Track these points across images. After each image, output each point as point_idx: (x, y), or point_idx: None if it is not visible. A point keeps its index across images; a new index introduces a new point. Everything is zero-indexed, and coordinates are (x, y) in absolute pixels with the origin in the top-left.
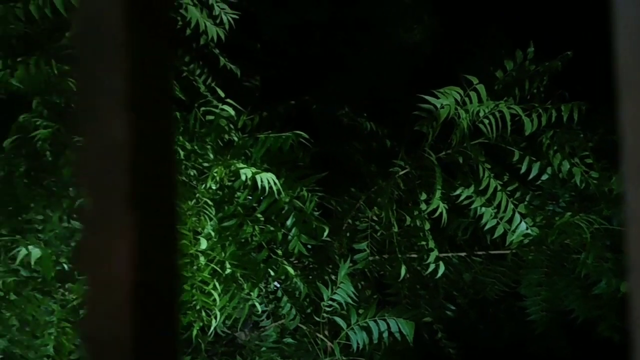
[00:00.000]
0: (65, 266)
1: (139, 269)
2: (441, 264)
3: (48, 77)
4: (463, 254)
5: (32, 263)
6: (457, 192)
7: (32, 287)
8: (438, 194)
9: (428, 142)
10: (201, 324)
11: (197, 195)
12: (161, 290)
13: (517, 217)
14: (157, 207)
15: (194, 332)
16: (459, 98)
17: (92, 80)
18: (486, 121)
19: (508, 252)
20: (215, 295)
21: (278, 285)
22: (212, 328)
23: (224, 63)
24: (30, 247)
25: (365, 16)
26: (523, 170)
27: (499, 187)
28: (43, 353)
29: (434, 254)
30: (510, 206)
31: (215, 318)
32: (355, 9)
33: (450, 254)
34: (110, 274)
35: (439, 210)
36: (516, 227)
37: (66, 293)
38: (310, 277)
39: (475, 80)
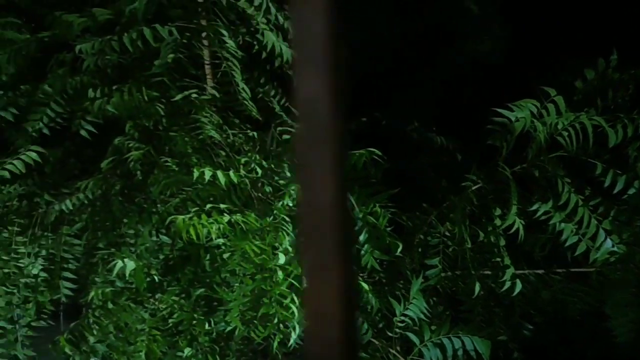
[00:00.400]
0: (156, 278)
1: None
2: (518, 281)
3: (139, 102)
4: (541, 272)
5: (127, 275)
6: (534, 207)
7: (127, 297)
8: (514, 209)
9: (502, 156)
10: (281, 336)
11: (275, 212)
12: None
13: (602, 233)
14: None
15: (275, 345)
16: (535, 110)
17: (308, 154)
18: (565, 133)
19: (590, 270)
20: (294, 308)
21: None
22: (291, 340)
23: None
24: (125, 259)
25: (435, 30)
26: (607, 183)
27: (580, 202)
28: (137, 358)
29: (510, 271)
30: (594, 222)
31: (294, 330)
32: (425, 23)
33: (527, 271)
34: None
35: (515, 226)
36: (600, 245)
37: (156, 303)
38: (382, 292)
39: (552, 92)
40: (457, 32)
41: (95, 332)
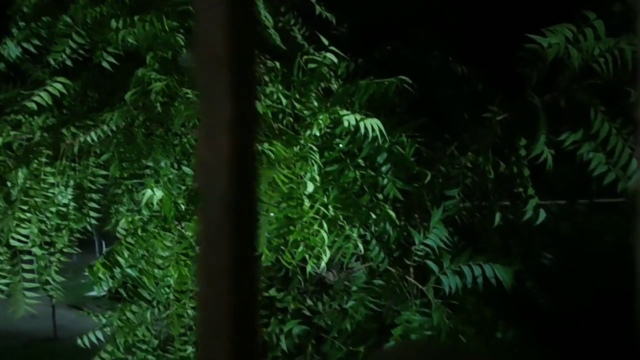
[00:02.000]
0: (182, 206)
1: None
2: (542, 210)
3: (159, 32)
4: (563, 202)
5: (155, 204)
6: (563, 136)
7: (155, 225)
8: (543, 138)
9: (531, 85)
10: (314, 261)
11: (302, 141)
12: None
13: (634, 162)
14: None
15: (308, 268)
16: (570, 36)
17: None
18: (602, 60)
19: (616, 200)
20: (323, 233)
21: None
22: (322, 265)
23: (319, 12)
24: (154, 189)
25: None
26: None
27: (614, 131)
28: (166, 283)
29: (533, 201)
30: (627, 151)
31: (325, 254)
32: None
33: (549, 202)
34: None
35: (544, 155)
36: (632, 174)
37: (183, 230)
38: (399, 222)
39: (592, 16)
40: None
41: (127, 257)
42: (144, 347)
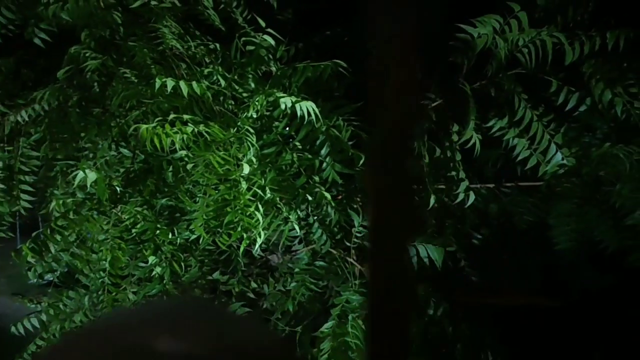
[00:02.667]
0: (118, 189)
1: None
2: (471, 193)
3: (95, 9)
4: (491, 186)
5: (88, 185)
6: (491, 123)
7: (89, 207)
8: (472, 124)
9: (463, 73)
10: (247, 242)
11: (239, 123)
12: None
13: (553, 147)
14: None
15: (241, 250)
16: (497, 27)
17: None
18: (525, 50)
19: (538, 184)
20: (259, 215)
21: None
22: (256, 247)
23: None
24: (86, 170)
25: None
26: (560, 101)
27: (535, 118)
28: (100, 267)
29: (464, 184)
30: (547, 136)
31: (259, 237)
32: None
33: (479, 186)
34: None
35: (472, 141)
36: (551, 158)
37: (119, 213)
38: (340, 205)
39: (517, 7)
40: None
41: (58, 241)
42: None
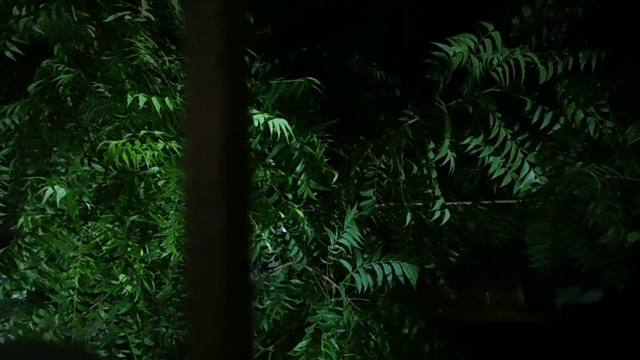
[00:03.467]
0: (88, 205)
1: None
2: (447, 211)
3: (68, 23)
4: (468, 203)
5: (58, 202)
6: (466, 141)
7: (58, 224)
8: (447, 142)
9: (439, 91)
10: None
11: None
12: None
13: (526, 166)
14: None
15: None
16: (472, 46)
17: None
18: (499, 69)
19: (514, 201)
20: None
21: (284, 231)
22: None
23: None
24: (56, 186)
25: None
26: (535, 120)
27: (509, 137)
28: (69, 285)
29: (440, 202)
30: (520, 155)
31: None
32: None
33: (456, 203)
34: None
35: (447, 159)
36: (524, 176)
37: (89, 230)
38: (317, 222)
39: (490, 27)
40: None
41: (25, 259)
42: None
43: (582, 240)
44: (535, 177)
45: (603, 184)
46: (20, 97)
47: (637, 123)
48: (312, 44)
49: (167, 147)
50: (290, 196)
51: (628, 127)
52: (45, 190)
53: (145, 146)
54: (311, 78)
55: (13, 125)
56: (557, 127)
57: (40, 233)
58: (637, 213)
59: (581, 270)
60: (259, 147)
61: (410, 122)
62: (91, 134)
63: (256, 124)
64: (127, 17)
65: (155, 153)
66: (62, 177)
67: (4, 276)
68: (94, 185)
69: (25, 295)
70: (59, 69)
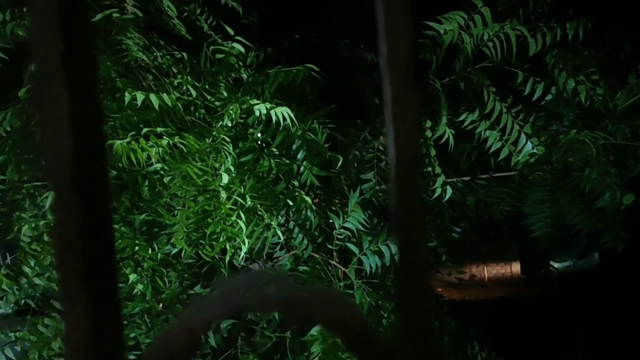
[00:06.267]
0: None
1: None
2: (448, 187)
3: None
4: (467, 179)
5: None
6: (462, 117)
7: None
8: (444, 119)
9: (432, 70)
10: (232, 251)
11: (214, 132)
12: None
13: (523, 137)
14: None
15: (227, 259)
16: (462, 22)
17: None
18: (490, 44)
19: (512, 173)
20: (241, 224)
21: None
22: (241, 255)
23: (225, 1)
24: None
25: None
26: (527, 91)
27: (504, 110)
28: None
29: (440, 179)
30: (516, 127)
31: (244, 245)
32: None
33: (455, 179)
34: None
35: (446, 136)
36: (522, 148)
37: None
38: (319, 209)
39: (479, 3)
40: None
41: (32, 265)
42: None
43: (579, 206)
44: (533, 148)
45: (597, 149)
46: (7, 103)
47: (625, 88)
48: (300, 31)
49: (171, 143)
50: (296, 183)
51: (617, 92)
52: (47, 195)
53: (151, 143)
54: (310, 65)
55: (5, 133)
56: (549, 97)
57: (46, 239)
58: (630, 176)
59: (580, 235)
60: (263, 137)
61: None
62: None
63: (258, 114)
64: (115, 14)
65: (160, 150)
66: None
67: (5, 288)
68: None
69: (23, 304)
70: None
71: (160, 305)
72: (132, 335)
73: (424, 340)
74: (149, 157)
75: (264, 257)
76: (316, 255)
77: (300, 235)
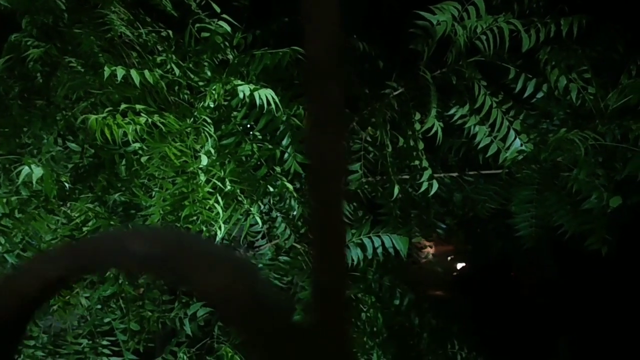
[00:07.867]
0: (67, 185)
1: None
2: (434, 182)
3: None
4: (455, 174)
5: (34, 182)
6: (452, 111)
7: (35, 205)
8: (433, 112)
9: (423, 61)
10: (207, 234)
11: (195, 113)
12: None
13: (512, 134)
14: None
15: None
16: (456, 14)
17: None
18: (483, 37)
19: (500, 171)
20: (219, 208)
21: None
22: (217, 241)
23: None
24: (32, 166)
25: None
26: (518, 88)
27: (494, 105)
28: None
29: (427, 173)
30: (506, 123)
31: (220, 230)
32: None
33: (442, 175)
34: None
35: (434, 129)
36: (510, 144)
37: (68, 211)
38: (303, 198)
39: None
40: None
41: (2, 242)
42: (31, 343)
43: (566, 207)
44: (521, 145)
45: (586, 149)
46: None
47: (617, 89)
48: (290, 15)
49: (150, 121)
50: (278, 169)
51: (609, 93)
52: (21, 170)
53: (127, 120)
54: (296, 48)
55: None
56: (540, 95)
57: (18, 215)
58: (618, 178)
59: (564, 237)
60: (245, 120)
61: (395, 93)
62: (64, 112)
63: (241, 95)
64: None
65: (138, 128)
66: (35, 158)
67: None
68: (70, 165)
69: None
70: (28, 43)
71: (141, 290)
72: (107, 320)
73: (336, 323)
74: (125, 135)
75: (245, 245)
76: (298, 246)
77: (283, 225)
